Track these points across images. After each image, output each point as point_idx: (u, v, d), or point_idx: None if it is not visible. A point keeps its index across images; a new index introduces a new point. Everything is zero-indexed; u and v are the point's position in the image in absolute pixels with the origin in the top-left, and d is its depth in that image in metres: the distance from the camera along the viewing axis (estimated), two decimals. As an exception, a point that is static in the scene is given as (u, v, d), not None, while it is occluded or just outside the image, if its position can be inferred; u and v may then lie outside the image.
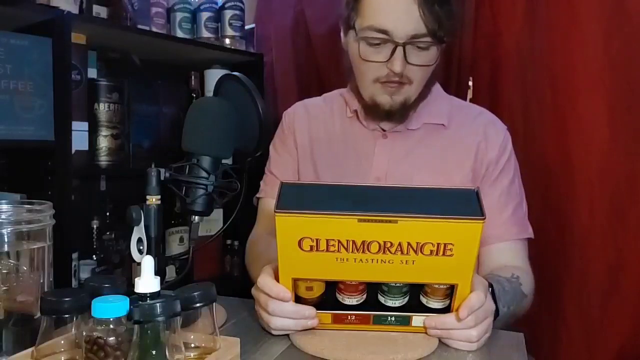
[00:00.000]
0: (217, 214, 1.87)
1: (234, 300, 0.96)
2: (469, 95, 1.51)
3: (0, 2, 1.24)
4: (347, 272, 0.65)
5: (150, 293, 0.51)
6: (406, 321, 0.72)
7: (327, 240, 0.62)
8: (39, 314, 0.55)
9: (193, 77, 1.85)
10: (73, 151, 1.39)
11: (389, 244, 0.61)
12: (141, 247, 0.73)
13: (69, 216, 1.34)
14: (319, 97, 1.19)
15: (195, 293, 0.59)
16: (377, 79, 0.96)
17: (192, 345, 0.61)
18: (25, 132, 1.31)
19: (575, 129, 1.23)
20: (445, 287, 0.68)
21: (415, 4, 0.90)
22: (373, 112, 1.02)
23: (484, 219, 0.60)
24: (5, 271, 0.66)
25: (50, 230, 0.71)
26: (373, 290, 0.70)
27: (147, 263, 0.52)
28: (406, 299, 0.71)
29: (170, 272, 1.69)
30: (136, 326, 0.49)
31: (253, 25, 2.01)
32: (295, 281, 0.70)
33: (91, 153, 1.49)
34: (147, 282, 0.51)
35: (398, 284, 0.69)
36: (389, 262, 0.63)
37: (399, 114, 1.00)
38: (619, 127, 1.17)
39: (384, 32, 0.91)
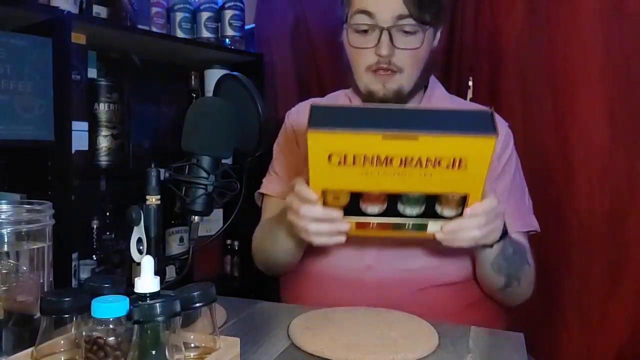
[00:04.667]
0: (217, 214, 1.87)
1: (234, 300, 0.96)
2: (469, 95, 1.51)
3: (1, 2, 1.24)
4: (371, 184, 0.70)
5: (150, 293, 0.51)
6: (423, 227, 0.77)
7: (354, 156, 0.66)
8: (39, 314, 0.55)
9: (193, 77, 1.85)
10: (73, 151, 1.39)
11: (409, 159, 0.66)
12: (141, 247, 0.73)
13: (69, 216, 1.34)
14: (322, 97, 1.19)
15: (195, 293, 0.59)
16: (369, 67, 0.98)
17: (192, 345, 0.61)
18: (25, 132, 1.31)
19: (575, 129, 1.23)
20: (458, 197, 0.73)
21: None
22: (369, 102, 1.03)
23: (497, 135, 0.64)
24: (5, 271, 0.66)
25: (50, 230, 0.71)
26: (393, 200, 0.74)
27: (147, 263, 0.52)
28: (423, 208, 0.75)
29: (170, 272, 1.70)
30: (136, 326, 0.49)
31: (253, 25, 2.01)
32: (324, 192, 0.74)
33: (91, 153, 1.49)
34: (147, 282, 0.51)
35: (416, 195, 0.73)
36: (409, 175, 0.68)
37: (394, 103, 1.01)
38: (619, 127, 1.17)
39: (369, 14, 0.94)
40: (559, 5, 1.25)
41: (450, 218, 0.77)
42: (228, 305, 0.90)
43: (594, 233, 1.22)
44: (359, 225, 0.77)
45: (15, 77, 1.28)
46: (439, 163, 0.66)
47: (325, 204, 0.76)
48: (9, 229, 0.66)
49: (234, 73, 0.84)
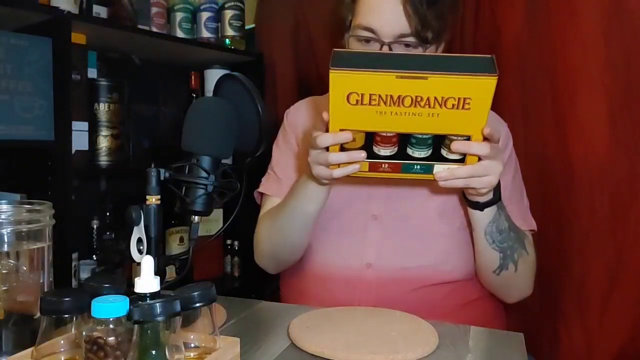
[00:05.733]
0: (217, 214, 1.87)
1: (234, 300, 0.96)
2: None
3: (1, 2, 1.24)
4: (385, 124, 0.76)
5: (150, 293, 0.51)
6: (429, 169, 0.82)
7: (370, 95, 0.73)
8: (39, 314, 0.55)
9: (193, 77, 1.85)
10: (73, 151, 1.39)
11: (419, 98, 0.73)
12: (141, 247, 0.73)
13: (69, 216, 1.34)
14: (322, 95, 1.19)
15: (195, 293, 0.59)
16: None
17: (192, 345, 0.61)
18: (25, 132, 1.31)
19: (575, 129, 1.23)
20: (462, 140, 0.78)
21: (401, 4, 0.91)
22: None
23: (497, 75, 0.71)
24: (5, 271, 0.66)
25: (50, 230, 0.71)
26: (403, 144, 0.80)
27: (147, 263, 0.52)
28: (430, 151, 0.80)
29: (170, 272, 1.70)
30: (136, 326, 0.49)
31: (253, 25, 2.01)
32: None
33: (91, 153, 1.49)
34: (147, 282, 0.51)
35: (424, 136, 0.78)
36: (418, 114, 0.74)
37: None
38: (619, 127, 1.17)
39: (372, 30, 0.94)
40: (559, 5, 1.24)
41: (455, 161, 0.81)
42: (228, 305, 0.90)
43: (593, 233, 1.21)
44: (372, 167, 0.83)
45: (15, 77, 1.29)
46: (445, 103, 0.73)
47: (342, 147, 0.81)
48: (9, 229, 0.66)
49: (234, 73, 0.84)
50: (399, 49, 0.94)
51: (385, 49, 0.93)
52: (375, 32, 0.93)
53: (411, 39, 0.93)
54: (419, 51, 0.96)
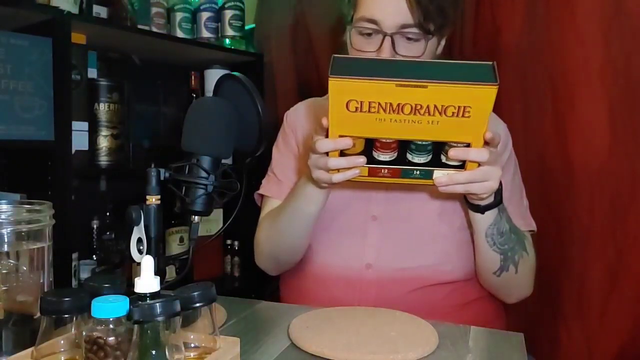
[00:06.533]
0: (217, 214, 1.87)
1: (234, 300, 0.96)
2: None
3: (1, 2, 1.24)
4: (384, 130, 0.76)
5: (150, 293, 0.51)
6: (429, 175, 0.82)
7: (369, 103, 0.73)
8: (39, 314, 0.55)
9: (193, 77, 1.85)
10: (73, 151, 1.39)
11: (419, 106, 0.72)
12: (141, 247, 0.73)
13: (69, 216, 1.35)
14: (321, 97, 1.19)
15: (195, 293, 0.59)
16: None
17: (192, 345, 0.61)
18: (25, 132, 1.31)
19: (575, 129, 1.23)
20: (462, 146, 0.78)
21: None
22: None
23: (497, 84, 0.70)
24: (5, 271, 0.66)
25: (50, 230, 0.71)
26: (403, 150, 0.80)
27: (147, 263, 0.52)
28: (430, 157, 0.80)
29: (170, 272, 1.70)
30: (136, 326, 0.49)
31: (253, 25, 2.01)
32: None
33: (91, 153, 1.49)
34: (147, 282, 0.51)
35: (424, 142, 0.78)
36: (418, 122, 0.74)
37: None
38: (619, 127, 1.17)
39: (374, 22, 0.94)
40: (559, 5, 1.25)
41: (455, 167, 0.81)
42: (228, 305, 0.90)
43: (593, 233, 1.22)
44: (371, 172, 0.82)
45: (15, 77, 1.29)
46: (445, 111, 0.72)
47: (342, 152, 0.81)
48: (9, 229, 0.66)
49: (234, 73, 0.84)
50: (401, 42, 0.94)
51: (388, 41, 0.93)
52: (377, 23, 0.94)
53: (414, 30, 0.93)
54: (421, 44, 0.95)
